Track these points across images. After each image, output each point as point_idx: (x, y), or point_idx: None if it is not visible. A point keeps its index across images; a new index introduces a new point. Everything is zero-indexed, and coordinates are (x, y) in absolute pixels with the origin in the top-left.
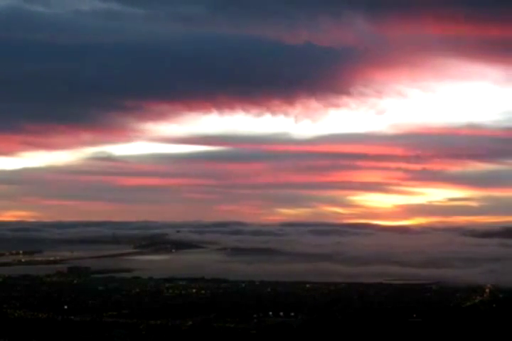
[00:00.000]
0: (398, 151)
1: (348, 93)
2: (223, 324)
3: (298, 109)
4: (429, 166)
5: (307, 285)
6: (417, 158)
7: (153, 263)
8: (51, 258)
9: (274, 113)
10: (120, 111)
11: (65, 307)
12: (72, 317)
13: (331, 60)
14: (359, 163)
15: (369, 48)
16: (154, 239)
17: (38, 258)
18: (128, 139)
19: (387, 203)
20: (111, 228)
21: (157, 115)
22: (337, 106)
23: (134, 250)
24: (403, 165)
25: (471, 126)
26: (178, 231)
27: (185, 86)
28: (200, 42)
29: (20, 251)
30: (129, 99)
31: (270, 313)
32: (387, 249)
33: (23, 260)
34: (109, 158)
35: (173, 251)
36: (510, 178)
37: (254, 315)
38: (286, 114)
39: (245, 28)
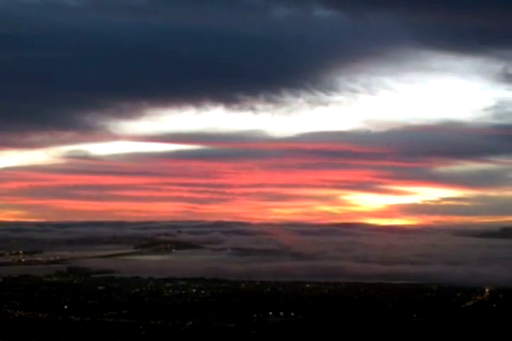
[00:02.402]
0: (385, 149)
1: (317, 88)
2: (223, 324)
3: (277, 104)
4: (418, 165)
5: (307, 285)
6: (406, 157)
7: (153, 263)
8: (51, 258)
9: (254, 109)
10: (96, 109)
11: (65, 307)
12: (72, 317)
13: (297, 51)
14: (347, 161)
15: (337, 40)
16: (154, 239)
17: (38, 258)
18: (106, 138)
19: (380, 203)
20: (108, 228)
21: (133, 113)
22: (312, 101)
23: (134, 250)
24: (393, 163)
25: (454, 124)
26: (178, 231)
27: (161, 82)
28: (161, 34)
29: (20, 251)
30: (104, 97)
31: (270, 313)
32: (389, 249)
33: (23, 260)
34: (86, 157)
35: (173, 251)
36: (500, 177)
37: (254, 315)
38: (267, 110)
39: (200, 19)
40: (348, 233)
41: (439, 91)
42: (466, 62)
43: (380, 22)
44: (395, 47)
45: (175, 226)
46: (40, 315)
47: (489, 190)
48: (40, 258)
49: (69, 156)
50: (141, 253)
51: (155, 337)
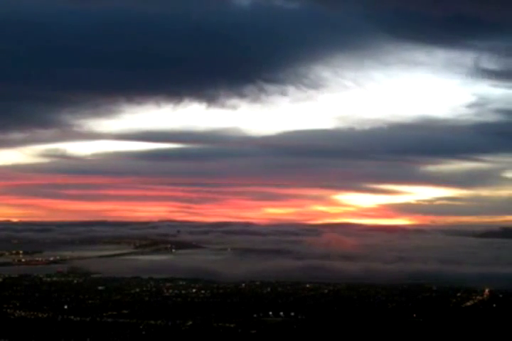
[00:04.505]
0: (371, 148)
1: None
2: (223, 324)
3: (259, 101)
4: (406, 164)
5: (307, 285)
6: (393, 155)
7: (154, 263)
8: (51, 258)
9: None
10: (73, 107)
11: (65, 307)
12: (72, 317)
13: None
14: (335, 160)
15: (300, 32)
16: (154, 239)
17: (38, 258)
18: (84, 137)
19: (373, 202)
20: (106, 228)
21: (110, 110)
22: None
23: (135, 250)
24: (383, 163)
25: (437, 121)
26: (178, 232)
27: (138, 78)
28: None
29: (20, 251)
30: (79, 94)
31: (270, 313)
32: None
33: (23, 260)
34: (64, 156)
35: (174, 251)
36: (492, 176)
37: (254, 315)
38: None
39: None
40: (345, 233)
41: (417, 86)
42: (444, 56)
43: (345, 13)
44: (372, 40)
45: (171, 226)
46: (40, 315)
47: (482, 189)
48: (40, 258)
49: (47, 155)
50: (142, 253)
51: (155, 337)
